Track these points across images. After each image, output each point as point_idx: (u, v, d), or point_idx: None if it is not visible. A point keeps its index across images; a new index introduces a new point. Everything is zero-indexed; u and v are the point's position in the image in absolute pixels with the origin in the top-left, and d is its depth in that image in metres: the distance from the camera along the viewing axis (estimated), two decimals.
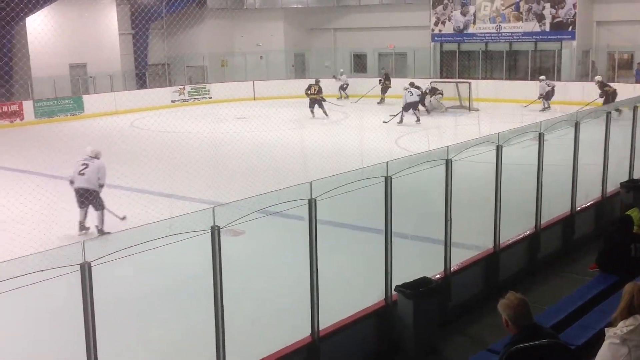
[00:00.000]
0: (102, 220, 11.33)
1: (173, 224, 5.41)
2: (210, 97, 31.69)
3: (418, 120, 22.99)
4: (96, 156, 11.78)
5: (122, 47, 32.46)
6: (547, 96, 25.73)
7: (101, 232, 11.25)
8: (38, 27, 28.00)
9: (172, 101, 30.62)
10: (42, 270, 4.50)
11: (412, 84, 24.27)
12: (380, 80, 29.65)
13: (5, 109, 25.47)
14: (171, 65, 33.97)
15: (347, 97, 30.76)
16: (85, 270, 4.70)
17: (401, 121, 22.92)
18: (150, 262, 8.55)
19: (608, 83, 24.41)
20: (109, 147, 18.89)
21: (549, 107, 25.57)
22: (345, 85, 31.06)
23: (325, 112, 24.73)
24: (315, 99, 25.01)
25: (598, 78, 24.50)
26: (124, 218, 11.63)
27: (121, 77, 31.61)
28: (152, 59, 34.14)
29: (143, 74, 32.95)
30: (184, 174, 15.43)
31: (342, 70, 32.42)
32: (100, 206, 11.38)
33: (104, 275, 5.07)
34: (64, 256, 4.69)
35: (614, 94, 23.08)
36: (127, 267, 8.19)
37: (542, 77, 26.65)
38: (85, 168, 11.36)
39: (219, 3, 35.01)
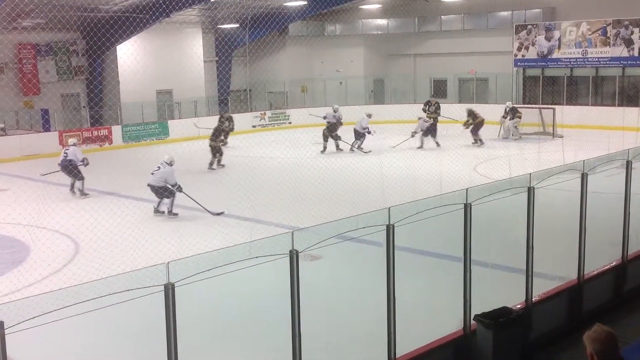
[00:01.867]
0: (172, 204, 14.41)
1: (253, 247, 5.50)
2: (290, 122, 32.16)
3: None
4: (170, 163, 14.82)
5: (206, 74, 33.45)
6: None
7: (170, 213, 14.45)
8: (127, 54, 29.24)
9: (253, 126, 31.21)
10: (127, 290, 4.66)
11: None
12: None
13: (95, 133, 26.59)
14: (252, 91, 34.73)
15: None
16: (169, 291, 4.84)
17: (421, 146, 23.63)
18: (230, 285, 8.70)
19: None
20: (190, 171, 19.43)
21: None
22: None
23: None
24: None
25: None
26: (220, 213, 14.07)
27: (205, 103, 32.54)
28: (235, 85, 35.00)
29: (225, 99, 33.79)
30: (264, 198, 15.66)
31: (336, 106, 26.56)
32: (169, 194, 14.40)
33: (186, 296, 5.20)
34: (149, 277, 4.84)
35: None
36: (208, 289, 8.36)
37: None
38: (157, 170, 14.63)
39: (300, 30, 35.61)
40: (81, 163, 17.29)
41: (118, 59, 29.47)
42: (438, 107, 27.01)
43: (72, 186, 17.39)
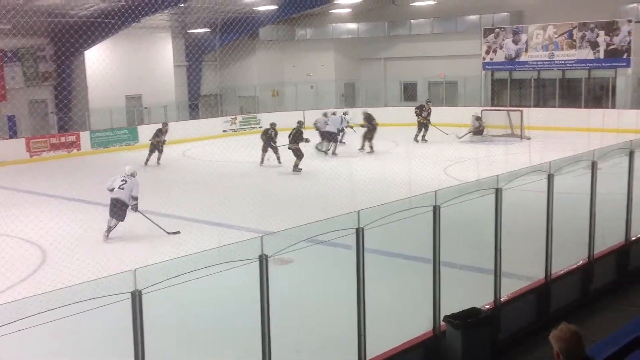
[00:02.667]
0: (112, 229, 13.17)
1: (222, 252, 5.49)
2: (261, 127, 31.98)
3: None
4: (133, 175, 13.79)
5: (176, 79, 33.24)
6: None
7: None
8: (96, 59, 28.94)
9: (224, 131, 31.10)
10: (94, 298, 4.62)
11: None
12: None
13: (63, 139, 26.27)
14: (223, 96, 34.61)
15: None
16: (136, 298, 4.80)
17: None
18: (200, 291, 8.65)
19: None
20: (160, 176, 19.30)
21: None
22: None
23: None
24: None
25: None
26: (176, 233, 13.20)
27: (175, 108, 32.34)
28: (205, 89, 34.86)
29: (196, 104, 33.63)
30: (232, 202, 15.61)
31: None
32: (122, 218, 13.28)
33: (154, 303, 5.16)
34: (116, 284, 4.80)
35: None
36: (177, 296, 8.31)
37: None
38: (125, 184, 13.48)
39: (271, 35, 35.59)
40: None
41: (86, 64, 29.13)
42: (430, 113, 26.83)
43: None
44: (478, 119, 26.48)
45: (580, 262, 8.95)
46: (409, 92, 34.92)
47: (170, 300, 8.07)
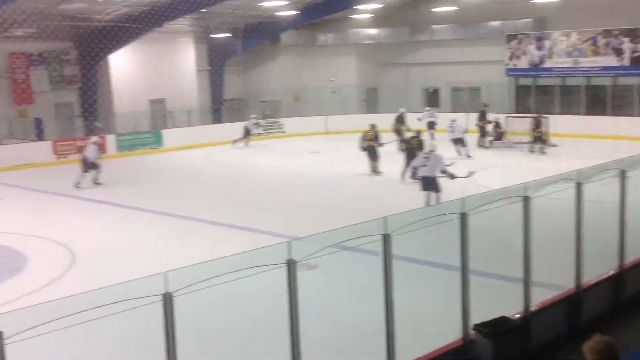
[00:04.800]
0: (438, 198, 14.11)
1: (250, 257, 5.48)
2: (284, 132, 32.15)
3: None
4: (431, 151, 14.84)
5: (199, 83, 33.43)
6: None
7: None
8: (120, 63, 29.22)
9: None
10: (126, 300, 4.63)
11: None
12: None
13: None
14: (246, 100, 34.72)
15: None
16: (168, 301, 4.81)
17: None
18: (228, 295, 8.65)
19: None
20: (184, 180, 19.40)
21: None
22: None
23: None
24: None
25: None
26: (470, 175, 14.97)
27: (198, 112, 32.52)
28: (228, 94, 35.01)
29: (219, 108, 33.78)
30: (259, 207, 15.63)
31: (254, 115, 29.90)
32: (438, 189, 14.27)
33: (184, 306, 5.17)
34: (147, 286, 4.82)
35: None
36: (206, 299, 8.32)
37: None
38: (427, 160, 14.45)
39: (293, 40, 35.68)
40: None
41: (111, 68, 29.42)
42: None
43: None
44: (497, 125, 26.36)
45: (611, 272, 8.83)
46: (431, 98, 34.79)
47: (199, 303, 8.09)
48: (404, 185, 17.76)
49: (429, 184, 14.18)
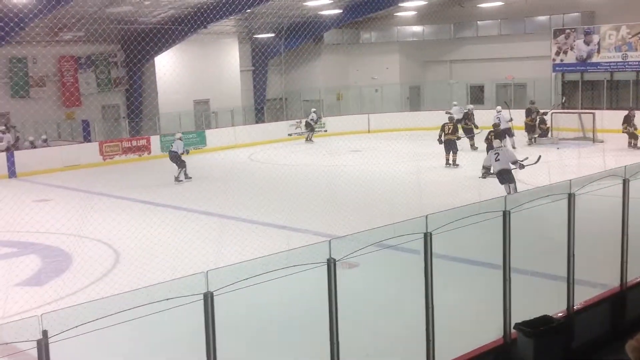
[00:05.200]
0: (515, 188, 14.92)
1: (290, 256, 5.52)
2: (326, 130, 32.20)
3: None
4: (500, 147, 16.00)
5: (243, 83, 33.74)
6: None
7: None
8: (166, 65, 29.68)
9: (289, 134, 31.34)
10: (167, 299, 4.72)
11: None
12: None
13: (134, 143, 27.00)
14: (288, 100, 34.90)
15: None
16: (209, 300, 4.88)
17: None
18: (268, 294, 8.72)
19: None
20: (228, 180, 19.61)
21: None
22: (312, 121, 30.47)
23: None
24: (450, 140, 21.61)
25: None
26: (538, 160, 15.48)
27: (241, 112, 32.82)
28: (270, 93, 35.23)
29: (262, 108, 34.04)
30: (300, 206, 15.70)
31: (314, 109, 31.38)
32: (512, 180, 15.13)
33: (225, 305, 5.24)
34: (188, 286, 4.89)
35: None
36: (247, 298, 8.42)
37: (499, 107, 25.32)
38: (498, 156, 15.42)
39: (336, 38, 35.70)
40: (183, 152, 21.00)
41: (157, 70, 29.91)
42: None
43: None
44: (542, 121, 25.93)
45: None
46: (475, 95, 34.42)
47: (240, 302, 8.18)
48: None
49: (506, 177, 15.20)
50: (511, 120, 24.08)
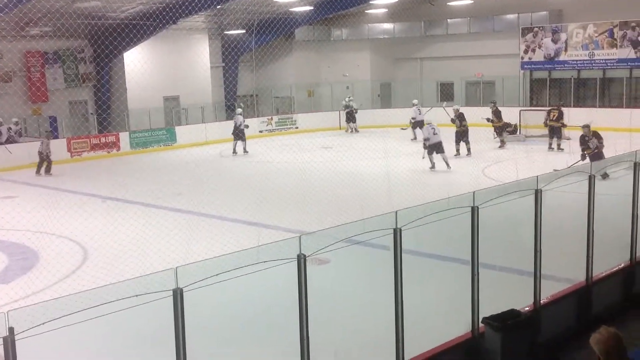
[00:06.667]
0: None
1: (260, 252, 5.52)
2: (297, 127, 32.20)
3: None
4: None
5: (213, 80, 33.56)
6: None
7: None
8: (135, 61, 29.37)
9: (260, 131, 31.27)
10: (136, 295, 4.69)
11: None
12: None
13: (103, 139, 26.71)
14: (259, 96, 34.82)
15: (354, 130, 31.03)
16: (178, 296, 4.86)
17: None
18: (238, 290, 8.70)
19: None
20: (199, 177, 19.52)
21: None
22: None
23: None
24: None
25: None
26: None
27: (212, 109, 32.65)
28: (241, 90, 35.11)
29: (232, 105, 33.90)
30: (270, 202, 15.69)
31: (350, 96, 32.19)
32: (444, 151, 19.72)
33: (194, 302, 5.22)
34: (157, 282, 4.87)
35: None
36: (216, 294, 8.39)
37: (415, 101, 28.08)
38: (435, 130, 19.74)
39: (307, 35, 35.69)
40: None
41: (125, 65, 29.60)
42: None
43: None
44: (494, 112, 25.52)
45: (622, 265, 8.80)
46: (445, 92, 34.69)
47: (209, 298, 8.15)
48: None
49: (440, 148, 19.79)
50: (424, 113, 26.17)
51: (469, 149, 22.83)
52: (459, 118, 23.27)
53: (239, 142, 25.56)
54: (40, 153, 22.24)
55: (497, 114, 25.46)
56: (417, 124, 26.55)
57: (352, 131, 30.95)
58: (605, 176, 13.35)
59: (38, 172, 22.23)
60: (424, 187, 16.21)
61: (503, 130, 25.32)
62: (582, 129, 17.90)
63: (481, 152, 22.73)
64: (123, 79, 29.59)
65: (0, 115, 25.26)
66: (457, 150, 22.68)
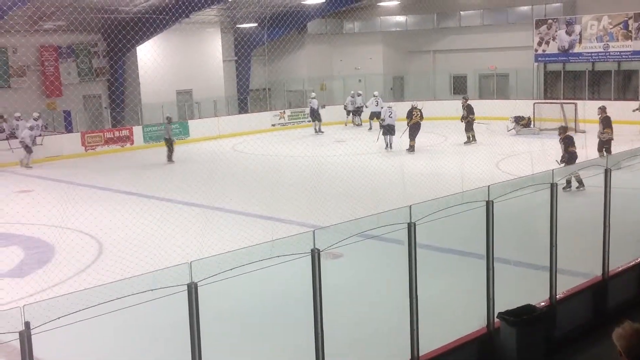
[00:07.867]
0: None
1: (274, 246, 5.51)
2: (310, 121, 32.14)
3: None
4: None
5: (226, 73, 33.55)
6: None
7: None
8: (148, 55, 29.44)
9: (273, 125, 31.26)
10: (151, 290, 4.69)
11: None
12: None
13: (117, 134, 26.80)
14: (272, 90, 34.79)
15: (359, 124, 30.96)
16: (192, 290, 4.86)
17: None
18: (253, 284, 8.72)
19: None
20: (212, 171, 19.54)
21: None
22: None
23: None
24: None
25: None
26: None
27: (224, 102, 32.67)
28: (254, 84, 35.09)
29: (245, 98, 33.90)
30: (284, 196, 15.69)
31: (359, 92, 32.01)
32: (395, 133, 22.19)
33: (209, 296, 5.22)
34: (172, 276, 4.87)
35: None
36: (231, 289, 8.40)
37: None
38: (392, 113, 22.52)
39: (319, 29, 35.60)
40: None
41: (138, 60, 29.67)
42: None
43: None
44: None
45: (639, 259, 8.71)
46: (458, 85, 34.51)
47: (224, 292, 8.17)
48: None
49: (392, 130, 22.37)
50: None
51: (473, 137, 23.93)
52: (468, 109, 23.35)
53: (317, 122, 29.01)
54: (166, 140, 22.97)
55: (469, 108, 24.12)
56: (374, 114, 28.12)
57: (358, 124, 31.04)
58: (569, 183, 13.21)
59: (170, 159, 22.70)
60: (439, 181, 16.13)
61: (472, 125, 24.14)
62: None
63: (495, 145, 22.60)
64: (136, 73, 29.66)
65: (15, 110, 25.37)
66: (468, 137, 23.85)
